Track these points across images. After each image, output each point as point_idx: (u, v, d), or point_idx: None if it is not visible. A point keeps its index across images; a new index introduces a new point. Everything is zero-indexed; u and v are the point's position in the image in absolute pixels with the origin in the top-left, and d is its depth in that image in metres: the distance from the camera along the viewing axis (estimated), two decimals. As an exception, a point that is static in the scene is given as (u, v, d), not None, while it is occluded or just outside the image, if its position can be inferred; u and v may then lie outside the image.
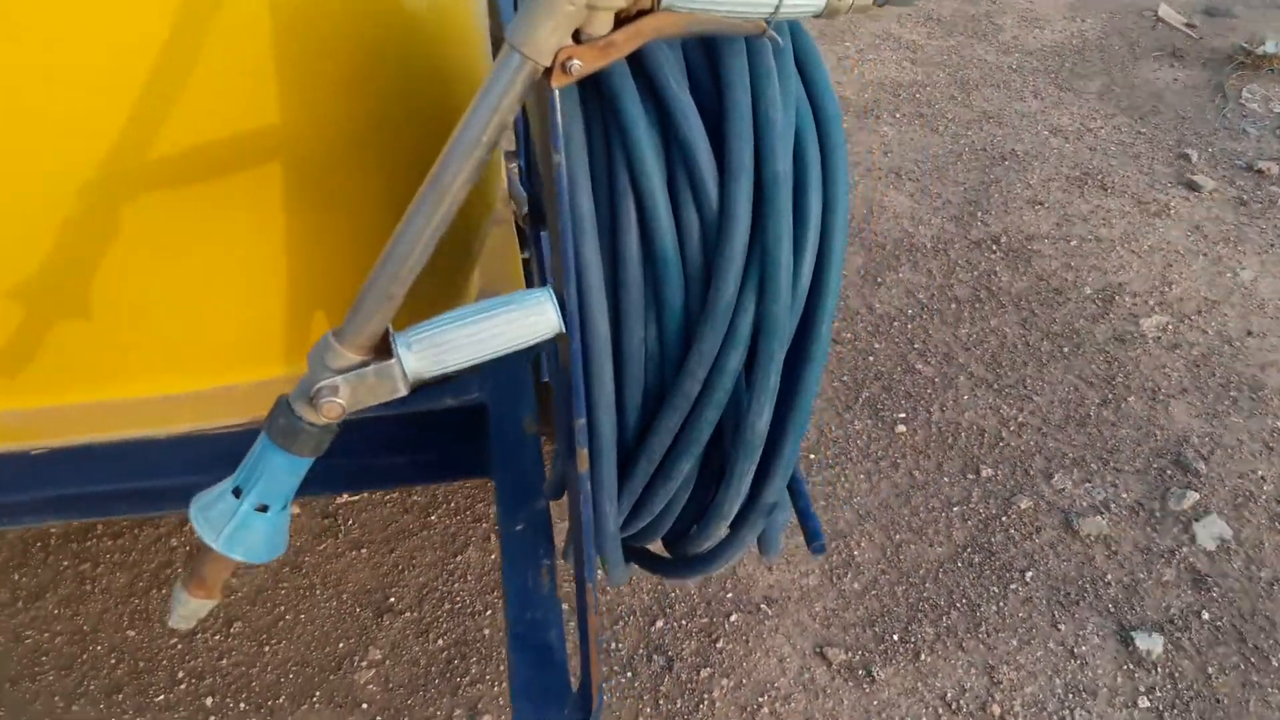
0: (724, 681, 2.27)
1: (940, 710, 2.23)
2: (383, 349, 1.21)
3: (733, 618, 2.40)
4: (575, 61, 1.09)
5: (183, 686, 2.24)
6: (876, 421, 2.85)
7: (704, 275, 1.24)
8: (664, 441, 1.31)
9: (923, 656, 2.33)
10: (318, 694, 2.24)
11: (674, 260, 1.23)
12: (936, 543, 2.56)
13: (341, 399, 1.18)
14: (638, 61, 1.20)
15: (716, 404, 1.28)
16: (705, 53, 1.23)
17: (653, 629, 2.36)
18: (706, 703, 2.23)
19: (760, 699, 2.25)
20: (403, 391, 1.21)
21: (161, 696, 2.22)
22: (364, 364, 1.20)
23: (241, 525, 1.23)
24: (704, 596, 2.43)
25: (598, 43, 1.10)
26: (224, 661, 2.29)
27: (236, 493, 1.23)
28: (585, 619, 1.37)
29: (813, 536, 1.38)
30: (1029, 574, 2.49)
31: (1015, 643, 2.36)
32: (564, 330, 1.23)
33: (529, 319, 1.22)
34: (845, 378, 2.97)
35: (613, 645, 2.33)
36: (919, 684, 2.28)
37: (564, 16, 1.08)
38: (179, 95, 1.36)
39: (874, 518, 2.61)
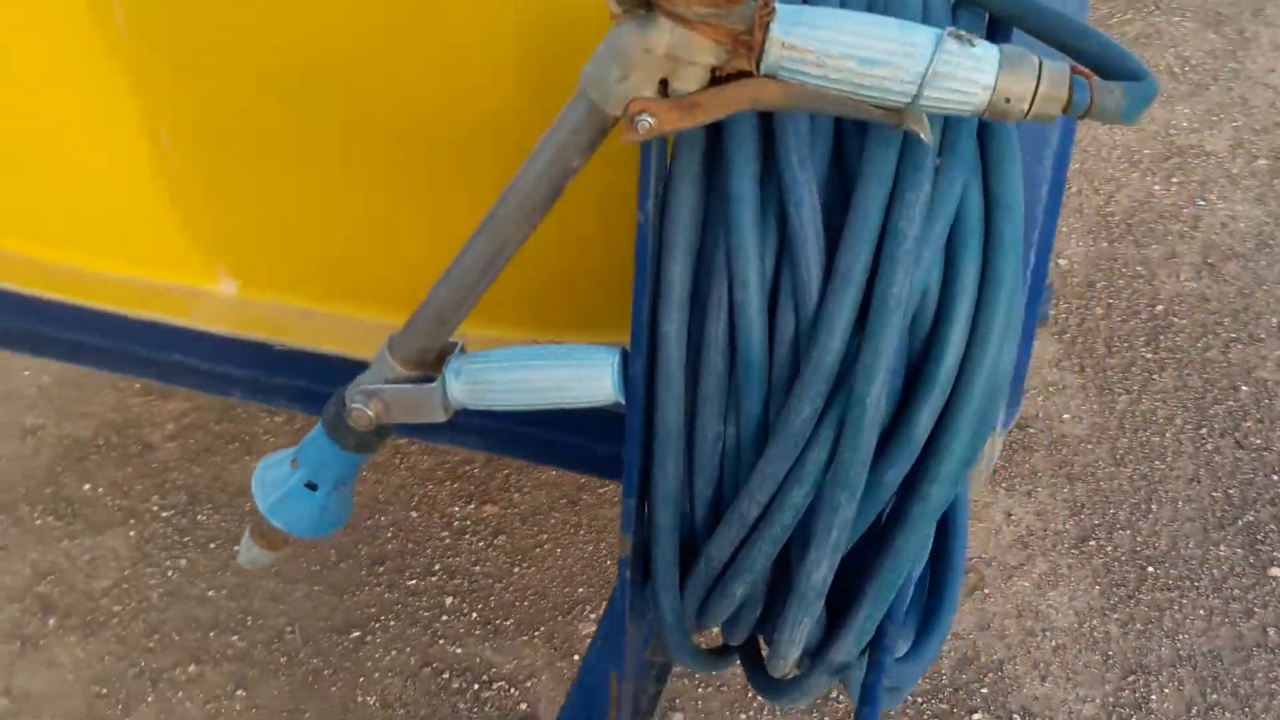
0: (935, 778, 2.01)
1: None
2: (435, 367, 1.11)
3: (976, 716, 2.10)
4: (647, 118, 0.91)
5: (434, 579, 2.32)
6: (1248, 554, 2.34)
7: (789, 387, 1.02)
8: (723, 554, 1.11)
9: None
10: (540, 629, 2.23)
11: (758, 364, 1.02)
12: (1261, 719, 2.08)
13: (371, 410, 1.10)
14: (768, 127, 0.98)
15: (773, 538, 1.06)
16: (856, 134, 0.98)
17: (883, 692, 2.12)
18: (904, 793, 1.99)
19: (965, 813, 1.96)
20: (441, 418, 1.10)
21: (413, 581, 2.32)
22: (411, 379, 1.10)
23: (289, 496, 1.20)
24: (954, 680, 2.14)
25: (683, 100, 0.90)
26: (477, 568, 2.34)
27: (295, 463, 1.20)
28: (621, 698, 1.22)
29: (867, 705, 1.12)
30: (1359, 802, 1.97)
31: None
32: (622, 401, 1.06)
33: (585, 382, 1.08)
34: (1231, 490, 2.46)
35: (835, 694, 2.11)
36: None
37: (635, 63, 0.89)
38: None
39: (1194, 665, 2.16)
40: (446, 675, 2.17)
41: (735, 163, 0.99)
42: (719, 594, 1.14)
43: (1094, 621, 2.23)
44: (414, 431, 1.64)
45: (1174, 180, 3.25)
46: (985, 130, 0.99)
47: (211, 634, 2.21)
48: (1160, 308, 2.88)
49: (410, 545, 2.39)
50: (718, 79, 0.90)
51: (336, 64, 1.38)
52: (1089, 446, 2.56)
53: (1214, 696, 2.12)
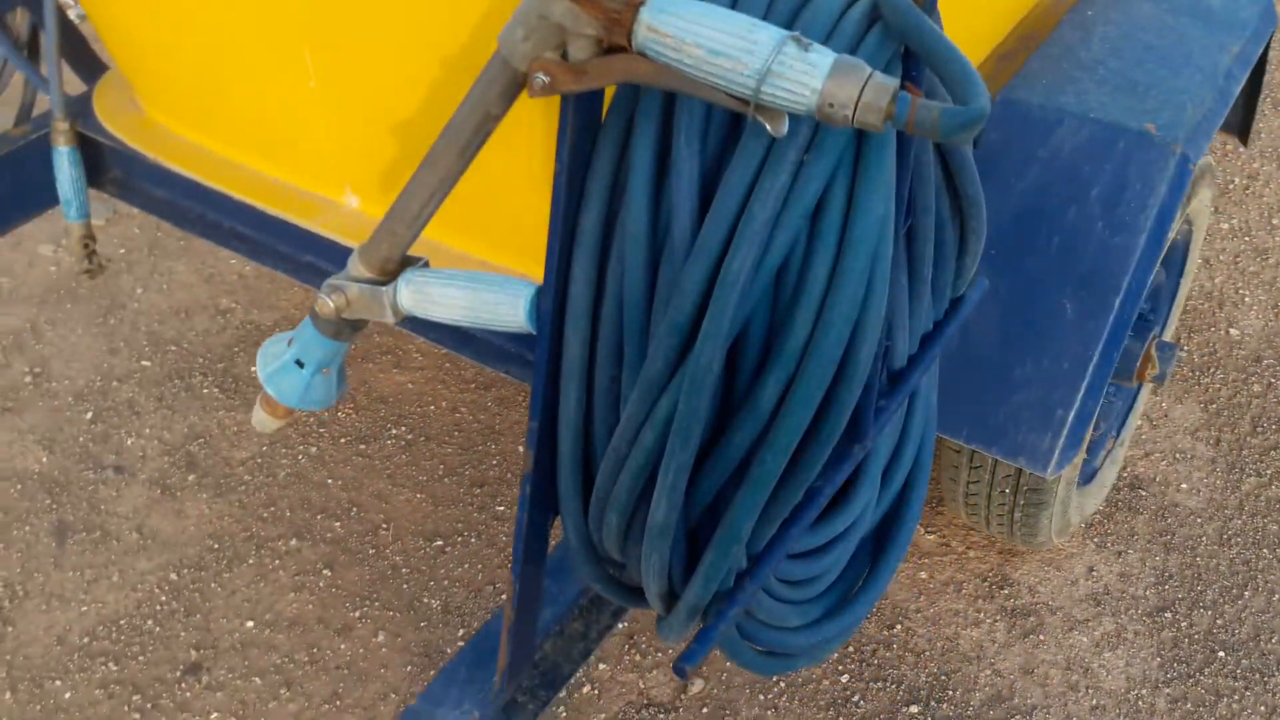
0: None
1: None
2: (394, 274, 1.29)
3: (989, 749, 2.12)
4: (541, 76, 1.06)
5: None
6: (1334, 661, 2.24)
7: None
8: (604, 485, 1.24)
9: None
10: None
11: (638, 317, 1.15)
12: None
13: (333, 302, 1.29)
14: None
15: (631, 473, 1.17)
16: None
17: (904, 710, 2.17)
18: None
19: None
20: (389, 319, 1.29)
21: (501, 508, 2.53)
22: (371, 282, 1.29)
23: (281, 370, 1.40)
24: (980, 714, 2.16)
25: (574, 65, 1.05)
26: (561, 509, 2.53)
27: (290, 343, 1.41)
28: (514, 613, 1.36)
29: (685, 657, 1.22)
30: None
31: None
32: (533, 331, 1.22)
33: (502, 308, 1.23)
34: (1339, 594, 2.34)
35: (856, 698, 2.18)
36: None
37: (534, 27, 1.05)
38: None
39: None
40: (505, 596, 2.37)
41: (639, 132, 1.11)
42: (597, 522, 1.27)
43: (1143, 691, 2.19)
44: (412, 327, 1.77)
45: (1391, 271, 3.06)
46: (862, 139, 1.08)
47: (319, 517, 2.49)
48: (1326, 397, 2.74)
49: (509, 476, 2.59)
50: (604, 51, 1.04)
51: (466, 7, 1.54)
52: (1198, 520, 2.49)
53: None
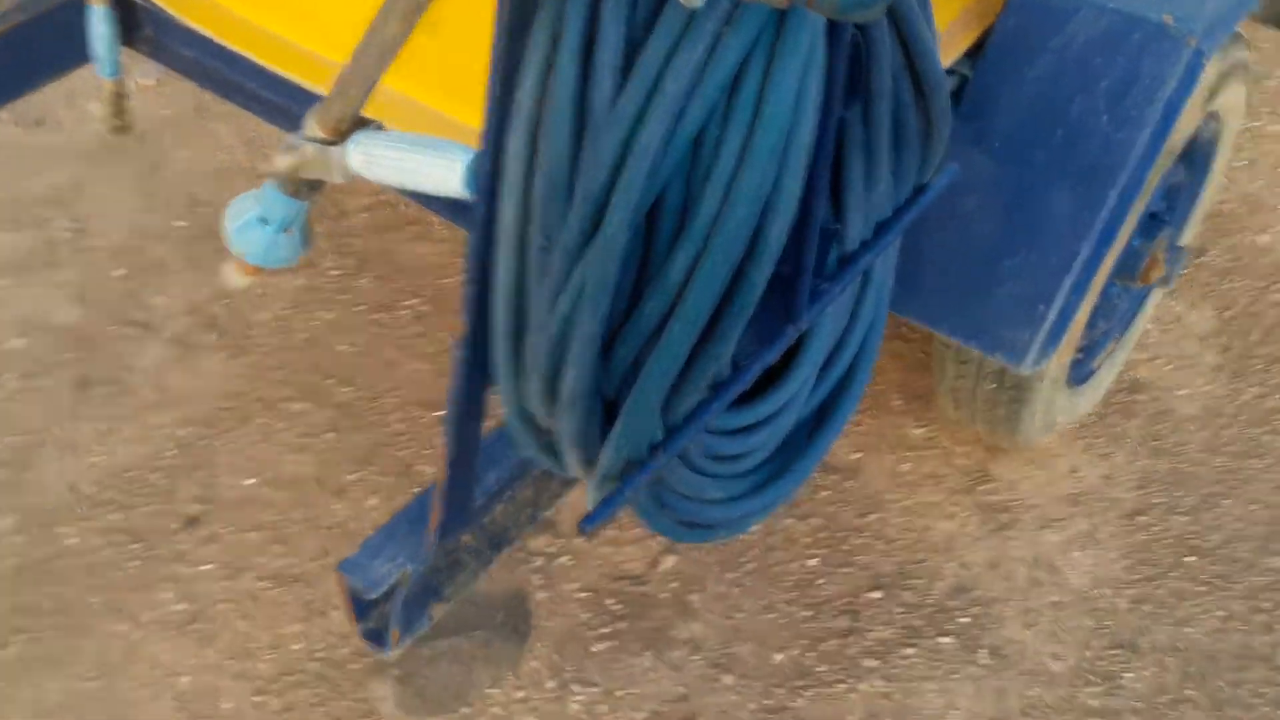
0: (878, 683, 2.08)
1: None
2: (346, 134, 1.31)
3: (944, 640, 2.14)
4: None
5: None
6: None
7: None
8: (531, 352, 1.26)
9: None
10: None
11: (562, 185, 1.15)
12: (1234, 728, 2.03)
13: (288, 159, 1.32)
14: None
15: (548, 339, 1.18)
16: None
17: (866, 595, 2.20)
18: (846, 685, 2.08)
19: None
20: (337, 179, 1.31)
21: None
22: (324, 141, 1.31)
23: (246, 227, 1.43)
24: (940, 603, 2.19)
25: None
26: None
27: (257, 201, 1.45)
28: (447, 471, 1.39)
29: (587, 519, 1.25)
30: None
31: None
32: (468, 198, 1.24)
33: (441, 173, 1.24)
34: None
35: (821, 581, 2.22)
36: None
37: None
38: None
39: (1185, 657, 2.10)
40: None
41: (571, 7, 1.11)
42: (525, 389, 1.30)
43: (1105, 590, 2.19)
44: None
45: None
46: (783, 15, 1.07)
47: (328, 381, 2.54)
48: (1341, 312, 2.68)
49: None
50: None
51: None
52: (1191, 427, 2.46)
53: (1189, 691, 2.05)
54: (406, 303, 2.71)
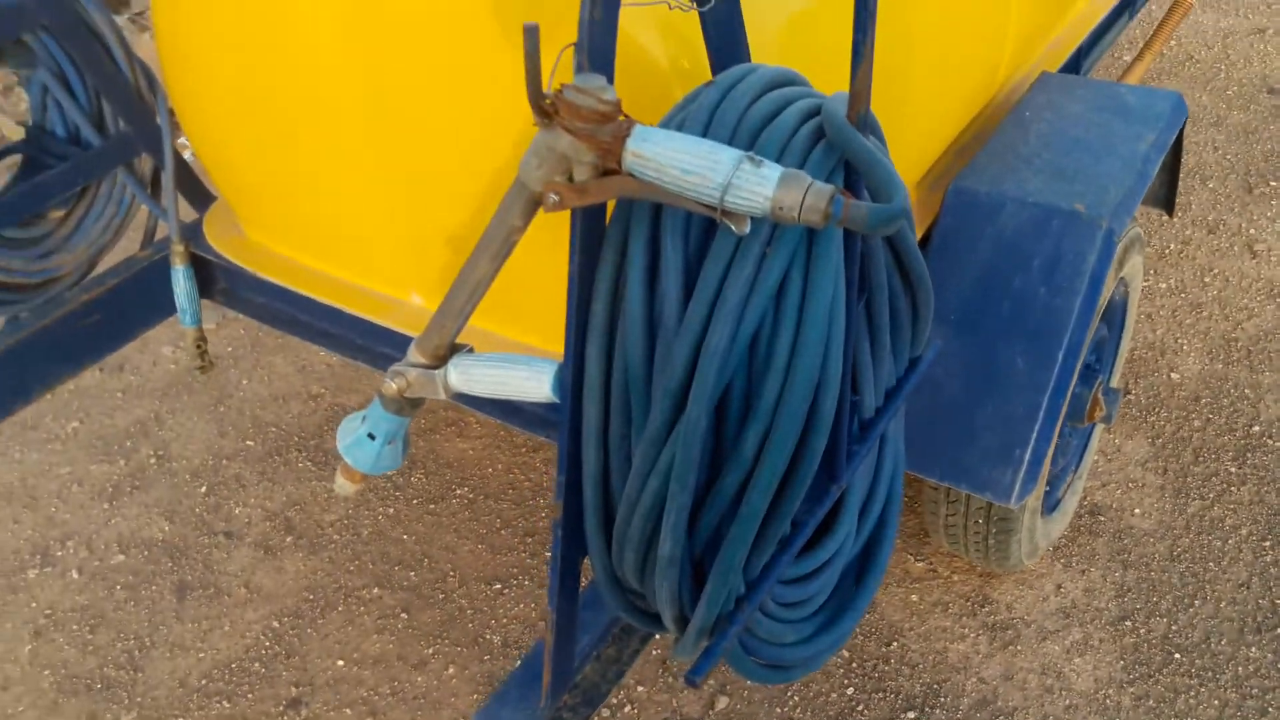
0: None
1: None
2: (444, 359, 1.38)
3: (977, 746, 2.13)
4: (553, 195, 1.15)
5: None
6: (1277, 660, 2.24)
7: None
8: (621, 526, 1.31)
9: None
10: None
11: (639, 385, 1.22)
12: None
13: (396, 385, 1.37)
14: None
15: (643, 514, 1.24)
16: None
17: (902, 717, 2.19)
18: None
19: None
20: (441, 396, 1.37)
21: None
22: (426, 366, 1.38)
23: (356, 443, 1.48)
24: (969, 717, 2.18)
25: (578, 186, 1.14)
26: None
27: (364, 419, 1.50)
28: (553, 638, 1.41)
29: (693, 670, 1.27)
30: None
31: None
32: (557, 400, 1.30)
33: (532, 383, 1.31)
34: (1279, 600, 2.35)
35: (860, 708, 2.21)
36: None
37: (546, 157, 1.14)
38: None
39: (1192, 744, 2.11)
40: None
41: (634, 236, 1.19)
42: (618, 558, 1.33)
43: (1110, 691, 2.21)
44: (466, 402, 1.84)
45: (1311, 317, 3.09)
46: (813, 233, 1.16)
47: (396, 567, 2.56)
48: (1257, 429, 2.76)
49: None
50: (601, 173, 1.14)
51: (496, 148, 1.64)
52: (1151, 540, 2.51)
53: (1204, 777, 2.06)
54: (456, 492, 2.74)
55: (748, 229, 1.09)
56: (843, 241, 1.20)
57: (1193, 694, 2.18)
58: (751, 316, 1.14)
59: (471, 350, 1.40)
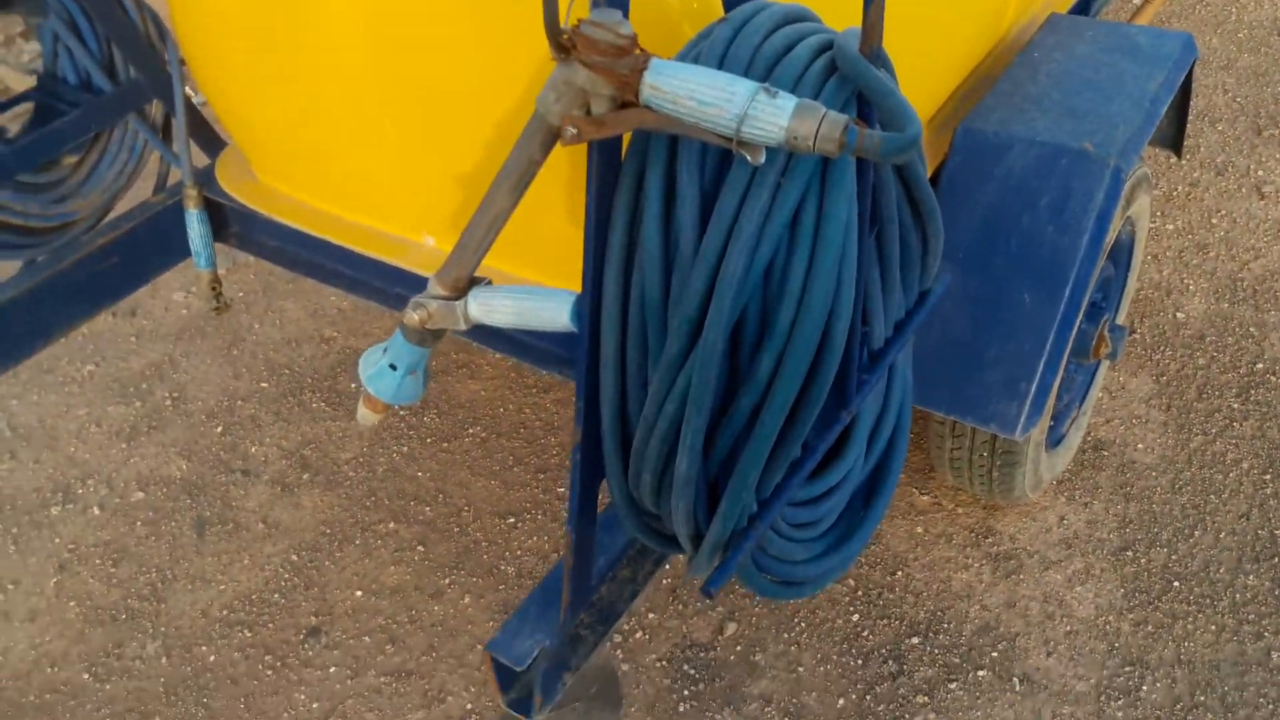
0: (931, 716, 2.14)
1: None
2: (465, 292, 1.42)
3: (981, 673, 2.21)
4: (571, 129, 1.18)
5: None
6: (1275, 588, 2.30)
7: None
8: (639, 450, 1.36)
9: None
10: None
11: (656, 313, 1.26)
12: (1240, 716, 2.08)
13: (418, 316, 1.42)
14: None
15: (660, 437, 1.29)
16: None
17: (907, 641, 2.27)
18: (901, 721, 2.14)
19: (948, 748, 2.09)
20: (462, 326, 1.42)
21: (563, 489, 2.64)
22: (446, 298, 1.42)
23: (378, 373, 1.53)
24: (971, 642, 2.25)
25: (595, 119, 1.18)
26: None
27: (385, 350, 1.55)
28: (572, 559, 1.47)
29: (710, 582, 1.33)
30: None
31: None
32: (575, 330, 1.35)
33: (551, 313, 1.35)
34: (1277, 530, 2.41)
35: (865, 633, 2.29)
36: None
37: (564, 91, 1.18)
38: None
39: (1191, 669, 2.18)
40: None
41: (651, 168, 1.22)
42: (635, 480, 1.39)
43: (1110, 617, 2.28)
44: (471, 335, 1.88)
45: (1316, 255, 3.12)
46: (826, 164, 1.20)
47: (411, 503, 2.62)
48: (1261, 366, 2.80)
49: (567, 462, 2.71)
50: (618, 106, 1.17)
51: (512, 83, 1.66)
52: (1153, 474, 2.56)
53: (1201, 698, 2.13)
54: (469, 431, 2.80)
55: (763, 159, 1.13)
56: (855, 172, 1.24)
57: (1190, 620, 2.25)
58: (766, 245, 1.18)
59: (489, 283, 1.44)
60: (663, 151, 1.23)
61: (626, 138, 1.25)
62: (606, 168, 1.25)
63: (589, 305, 1.32)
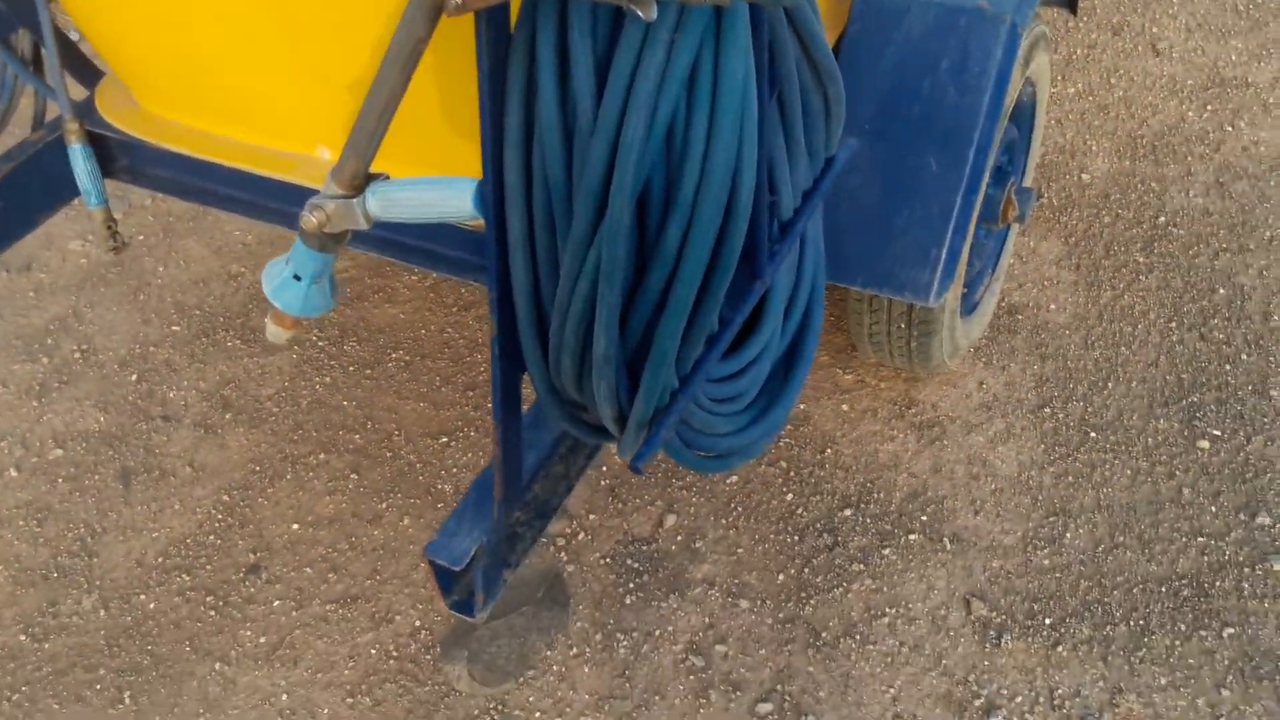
0: (868, 582, 2.18)
1: (1040, 699, 1.97)
2: (362, 187, 1.37)
3: (912, 536, 2.25)
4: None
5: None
6: (1184, 428, 2.38)
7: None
8: (555, 334, 1.33)
9: (1060, 649, 2.04)
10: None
11: (560, 188, 1.23)
12: (1156, 561, 2.15)
13: (315, 218, 1.37)
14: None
15: (575, 317, 1.27)
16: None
17: (839, 514, 2.30)
18: (842, 589, 2.17)
19: (889, 609, 2.13)
20: (363, 225, 1.37)
21: (491, 404, 2.62)
22: (344, 196, 1.37)
23: (282, 285, 1.49)
24: (901, 509, 2.29)
25: (479, -11, 1.13)
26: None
27: (288, 261, 1.49)
28: (501, 453, 1.45)
29: (636, 458, 1.32)
30: (1228, 631, 2.03)
31: (1164, 682, 1.98)
32: (480, 217, 1.31)
33: (453, 201, 1.31)
34: (1184, 375, 2.48)
35: (799, 510, 2.31)
36: (1037, 668, 2.02)
37: (449, -38, 1.13)
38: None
39: (1110, 512, 2.25)
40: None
41: (541, 36, 1.18)
42: (556, 368, 1.37)
43: (1032, 472, 2.33)
44: (356, 242, 1.83)
45: (1209, 108, 3.17)
46: (720, 16, 1.16)
47: (340, 432, 2.58)
48: (1163, 219, 2.86)
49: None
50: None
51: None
52: (1066, 332, 2.61)
53: (1120, 539, 2.20)
54: (392, 356, 2.75)
55: (654, 14, 1.10)
56: (750, 25, 1.21)
57: (1108, 467, 2.31)
58: (665, 105, 1.15)
59: (387, 177, 1.39)
60: (553, 17, 1.19)
61: (515, 5, 1.20)
62: (496, 43, 1.20)
63: (492, 187, 1.28)
